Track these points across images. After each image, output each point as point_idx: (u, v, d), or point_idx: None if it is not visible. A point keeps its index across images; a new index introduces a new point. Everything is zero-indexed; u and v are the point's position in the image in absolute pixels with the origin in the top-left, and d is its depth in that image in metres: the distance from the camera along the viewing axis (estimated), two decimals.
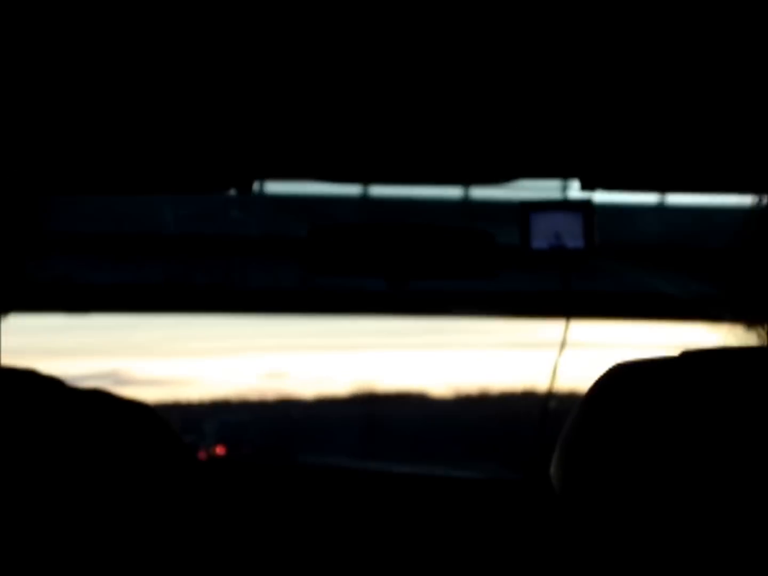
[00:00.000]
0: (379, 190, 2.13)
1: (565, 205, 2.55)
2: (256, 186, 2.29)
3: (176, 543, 1.18)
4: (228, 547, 2.35)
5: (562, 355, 2.65)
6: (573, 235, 2.56)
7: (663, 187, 2.40)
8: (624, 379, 1.04)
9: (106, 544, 1.13)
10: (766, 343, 1.08)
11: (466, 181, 2.33)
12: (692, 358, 1.01)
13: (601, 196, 2.49)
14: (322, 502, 2.60)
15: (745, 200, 2.35)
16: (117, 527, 1.14)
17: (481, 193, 2.23)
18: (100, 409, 1.19)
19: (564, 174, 2.35)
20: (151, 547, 1.16)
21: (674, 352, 1.02)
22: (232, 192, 2.30)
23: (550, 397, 2.72)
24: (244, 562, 2.42)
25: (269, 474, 2.63)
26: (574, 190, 2.44)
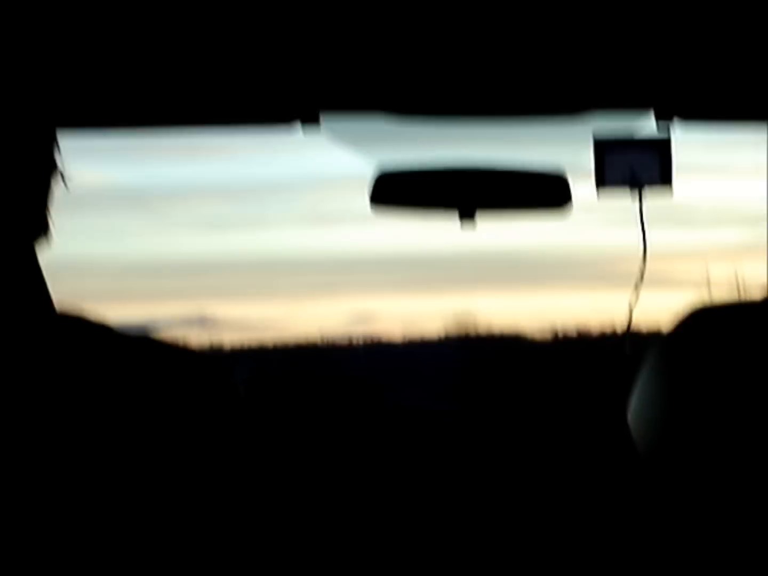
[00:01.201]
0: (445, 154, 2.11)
1: (640, 144, 2.49)
2: (323, 119, 2.27)
3: (215, 484, 1.17)
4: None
5: (638, 296, 2.59)
6: (649, 174, 2.50)
7: (743, 117, 2.33)
8: (704, 323, 0.98)
9: (148, 488, 1.12)
10: None
11: (534, 113, 2.28)
12: None
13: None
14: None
15: None
16: (158, 469, 1.13)
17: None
18: (146, 356, 1.18)
19: (638, 105, 2.29)
20: (190, 488, 1.14)
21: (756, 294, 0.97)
22: (298, 125, 2.28)
23: (627, 338, 2.67)
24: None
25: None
26: (649, 124, 2.37)
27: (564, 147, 2.50)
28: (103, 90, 2.09)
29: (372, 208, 2.48)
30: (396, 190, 2.48)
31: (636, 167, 2.50)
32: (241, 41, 1.96)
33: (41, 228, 1.26)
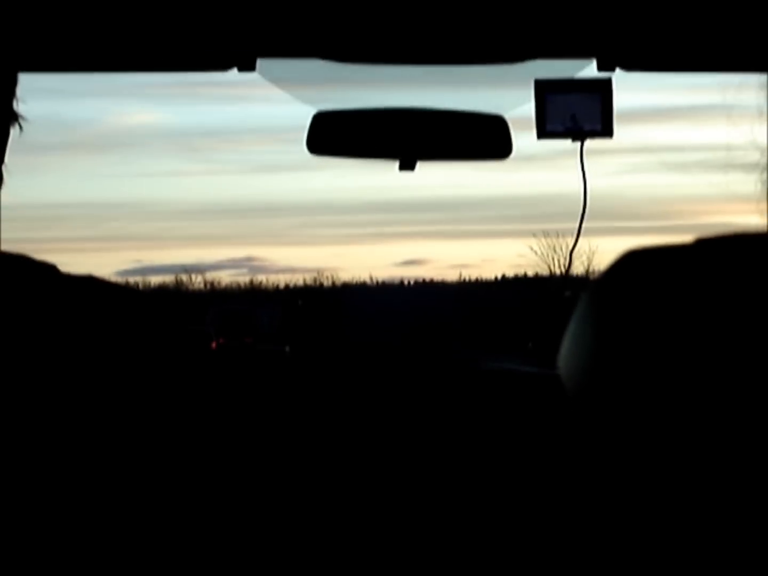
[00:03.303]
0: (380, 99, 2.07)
1: (582, 86, 2.46)
2: (258, 65, 2.23)
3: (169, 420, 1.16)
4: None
5: (578, 240, 2.58)
6: (590, 117, 2.47)
7: (684, 67, 2.32)
8: (635, 267, 0.97)
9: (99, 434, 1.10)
10: None
11: (477, 60, 2.25)
12: (709, 245, 0.94)
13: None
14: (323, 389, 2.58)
15: None
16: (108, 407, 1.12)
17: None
18: (92, 295, 1.17)
19: (580, 54, 2.27)
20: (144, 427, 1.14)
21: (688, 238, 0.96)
22: (235, 70, 2.24)
23: (566, 282, 2.67)
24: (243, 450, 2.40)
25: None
26: (591, 70, 2.34)
27: (505, 93, 2.46)
28: (58, 35, 2.09)
29: (309, 151, 2.43)
30: (334, 134, 2.43)
31: (577, 109, 2.47)
32: None
33: None
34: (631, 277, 0.95)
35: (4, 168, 1.23)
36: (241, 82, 2.35)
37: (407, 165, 2.42)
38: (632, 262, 0.97)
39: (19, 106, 1.25)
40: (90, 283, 1.19)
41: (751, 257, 0.91)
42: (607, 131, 2.47)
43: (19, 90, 1.26)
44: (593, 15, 2.06)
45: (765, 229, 0.98)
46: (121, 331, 1.16)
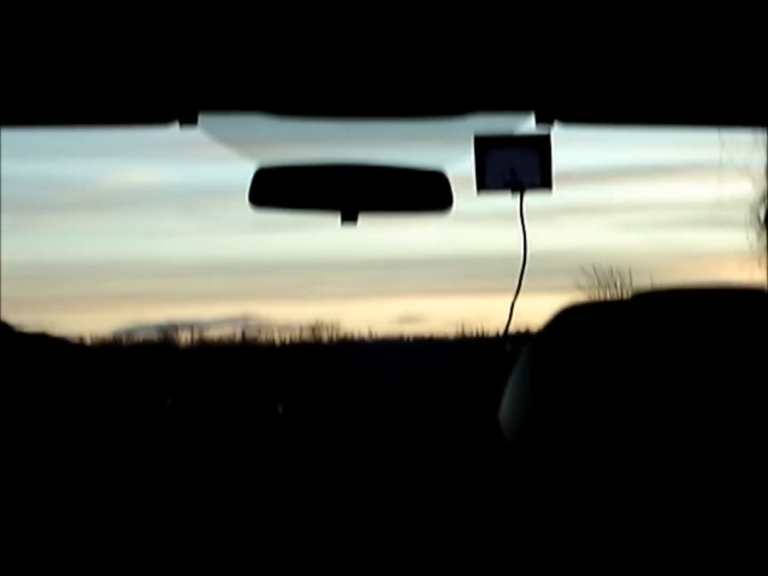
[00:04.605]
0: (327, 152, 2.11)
1: (521, 141, 2.49)
2: (201, 120, 2.24)
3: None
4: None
5: (518, 295, 2.60)
6: (529, 172, 2.51)
7: (621, 121, 2.36)
8: (573, 322, 0.99)
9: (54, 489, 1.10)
10: None
11: (417, 115, 2.28)
12: (644, 300, 0.96)
13: None
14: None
15: None
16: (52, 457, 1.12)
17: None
18: (44, 352, 1.17)
19: (518, 107, 2.30)
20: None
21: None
22: (177, 125, 2.25)
23: (506, 339, 2.69)
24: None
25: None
26: (530, 123, 2.38)
27: (446, 148, 2.49)
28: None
29: (252, 205, 2.44)
30: (276, 188, 2.44)
31: (516, 164, 2.50)
32: (122, 44, 1.95)
33: None
34: (568, 331, 0.97)
35: None
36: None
37: (349, 218, 2.44)
38: (569, 317, 0.98)
39: None
40: (41, 340, 1.19)
41: (684, 311, 0.94)
42: (545, 184, 2.50)
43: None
44: (530, 70, 2.09)
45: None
46: (66, 389, 1.16)
